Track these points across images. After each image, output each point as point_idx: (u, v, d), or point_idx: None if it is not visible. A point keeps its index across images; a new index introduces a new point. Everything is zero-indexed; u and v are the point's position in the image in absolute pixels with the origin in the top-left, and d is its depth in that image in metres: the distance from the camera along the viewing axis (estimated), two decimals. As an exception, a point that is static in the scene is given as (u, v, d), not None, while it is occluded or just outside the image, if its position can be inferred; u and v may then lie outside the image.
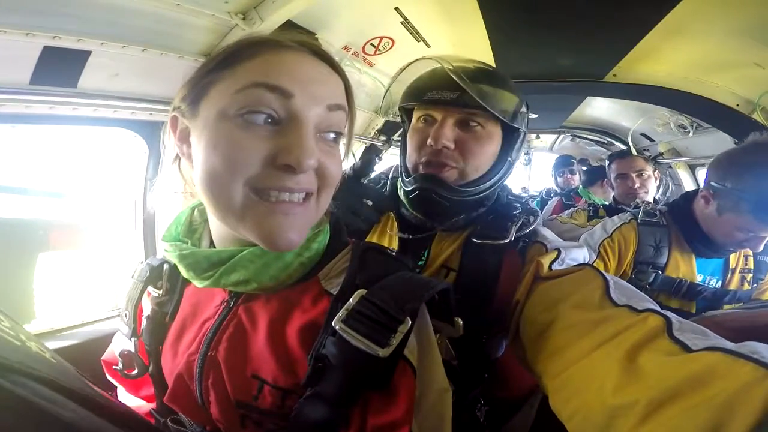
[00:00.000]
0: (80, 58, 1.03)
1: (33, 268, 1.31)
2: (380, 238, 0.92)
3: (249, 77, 0.47)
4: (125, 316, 0.66)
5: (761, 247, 1.18)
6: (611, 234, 1.35)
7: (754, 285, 1.33)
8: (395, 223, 0.91)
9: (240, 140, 0.46)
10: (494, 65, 1.89)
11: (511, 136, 0.86)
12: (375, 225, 0.95)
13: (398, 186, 0.90)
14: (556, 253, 0.75)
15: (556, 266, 0.72)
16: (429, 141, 0.80)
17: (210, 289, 0.58)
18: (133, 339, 0.65)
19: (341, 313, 0.49)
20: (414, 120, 0.88)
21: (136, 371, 0.65)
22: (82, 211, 1.54)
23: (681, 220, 1.32)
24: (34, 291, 1.30)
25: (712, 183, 1.19)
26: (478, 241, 0.81)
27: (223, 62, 0.50)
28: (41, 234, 1.39)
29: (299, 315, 0.54)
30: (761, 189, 1.07)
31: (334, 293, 0.54)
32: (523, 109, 0.86)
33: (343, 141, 0.55)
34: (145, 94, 1.21)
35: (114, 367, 0.66)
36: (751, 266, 1.34)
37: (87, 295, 1.47)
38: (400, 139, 0.98)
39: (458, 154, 0.81)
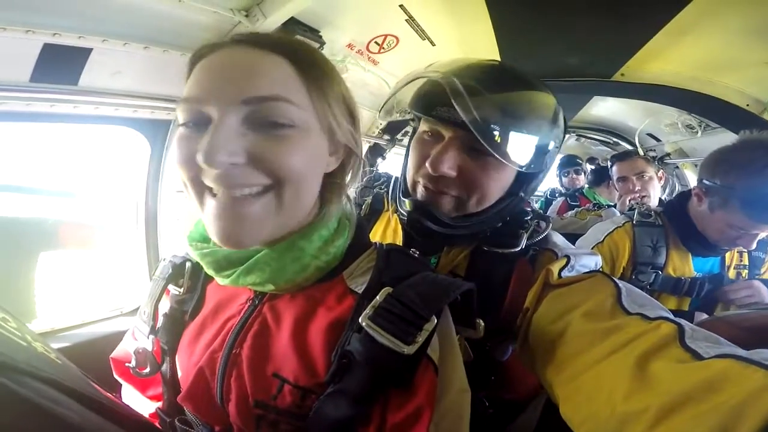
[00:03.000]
0: (81, 55, 1.02)
1: (34, 267, 1.30)
2: (382, 238, 0.91)
3: (183, 93, 0.50)
4: (144, 314, 0.67)
5: (754, 245, 1.18)
6: (603, 240, 1.36)
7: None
8: (399, 230, 0.88)
9: (180, 144, 0.49)
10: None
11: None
12: (375, 223, 0.94)
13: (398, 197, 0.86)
14: (566, 260, 0.72)
15: (565, 273, 0.70)
16: (427, 164, 0.72)
17: (234, 288, 0.59)
18: (150, 337, 0.65)
19: (368, 310, 0.50)
20: (420, 128, 0.79)
21: (148, 369, 0.65)
22: (83, 210, 1.54)
23: (676, 220, 1.32)
24: (36, 290, 1.29)
25: (704, 181, 1.20)
26: (488, 249, 0.78)
27: (187, 75, 0.52)
28: (42, 233, 1.38)
29: (324, 313, 0.55)
30: (749, 186, 1.07)
31: (360, 291, 0.55)
32: (557, 130, 0.75)
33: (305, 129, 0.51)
34: (147, 92, 1.19)
35: (126, 364, 0.66)
36: (746, 262, 1.35)
37: (88, 295, 1.46)
38: (404, 138, 0.93)
39: (460, 182, 0.73)
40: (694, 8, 1.33)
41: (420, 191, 0.78)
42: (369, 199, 0.99)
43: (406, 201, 0.78)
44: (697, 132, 2.52)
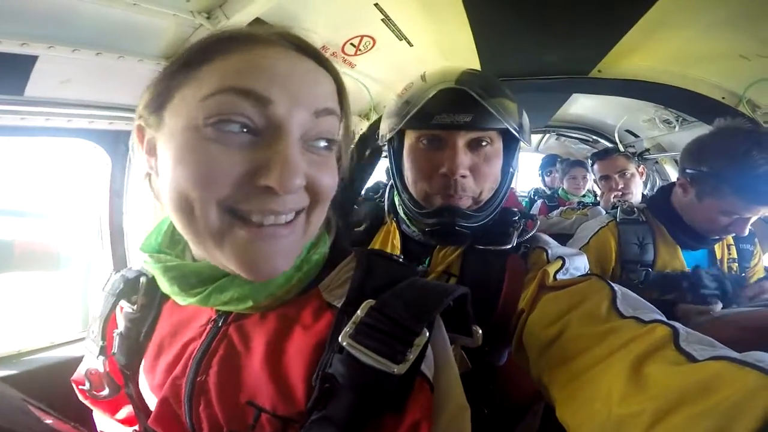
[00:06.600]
0: (26, 63, 0.94)
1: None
2: (383, 246, 0.91)
3: (218, 80, 0.41)
4: (92, 332, 0.61)
5: (747, 231, 1.17)
6: (589, 241, 1.35)
7: (742, 274, 1.33)
8: (397, 233, 0.90)
9: (210, 154, 0.41)
10: (478, 63, 1.86)
11: (510, 144, 0.83)
12: (375, 234, 0.95)
13: (396, 202, 0.89)
14: (561, 262, 0.73)
15: (560, 276, 0.71)
16: (443, 171, 0.77)
17: (194, 307, 0.53)
18: (101, 357, 0.59)
19: (348, 327, 0.45)
20: (413, 140, 0.82)
21: (106, 392, 0.60)
22: (44, 229, 1.46)
23: (661, 214, 1.31)
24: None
25: (688, 170, 1.19)
26: (481, 248, 0.80)
27: (187, 63, 0.43)
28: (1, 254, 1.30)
29: (299, 332, 0.50)
30: (738, 169, 1.07)
31: (338, 305, 0.50)
32: (524, 114, 0.85)
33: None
34: (103, 102, 1.12)
35: (80, 387, 0.62)
36: (735, 255, 1.34)
37: (53, 317, 1.38)
38: (385, 153, 0.92)
39: (472, 180, 0.79)
40: (667, 2, 1.33)
41: (437, 201, 0.81)
42: (367, 209, 1.00)
43: (426, 213, 0.81)
44: (674, 126, 2.55)
